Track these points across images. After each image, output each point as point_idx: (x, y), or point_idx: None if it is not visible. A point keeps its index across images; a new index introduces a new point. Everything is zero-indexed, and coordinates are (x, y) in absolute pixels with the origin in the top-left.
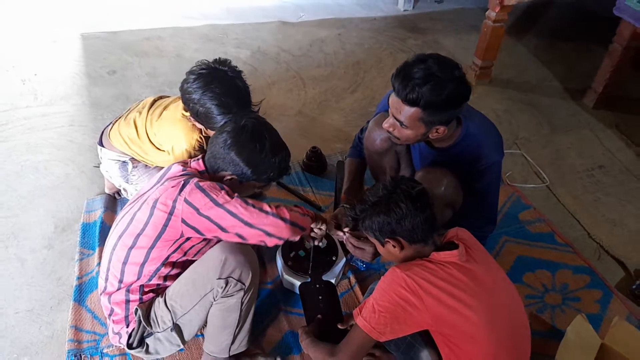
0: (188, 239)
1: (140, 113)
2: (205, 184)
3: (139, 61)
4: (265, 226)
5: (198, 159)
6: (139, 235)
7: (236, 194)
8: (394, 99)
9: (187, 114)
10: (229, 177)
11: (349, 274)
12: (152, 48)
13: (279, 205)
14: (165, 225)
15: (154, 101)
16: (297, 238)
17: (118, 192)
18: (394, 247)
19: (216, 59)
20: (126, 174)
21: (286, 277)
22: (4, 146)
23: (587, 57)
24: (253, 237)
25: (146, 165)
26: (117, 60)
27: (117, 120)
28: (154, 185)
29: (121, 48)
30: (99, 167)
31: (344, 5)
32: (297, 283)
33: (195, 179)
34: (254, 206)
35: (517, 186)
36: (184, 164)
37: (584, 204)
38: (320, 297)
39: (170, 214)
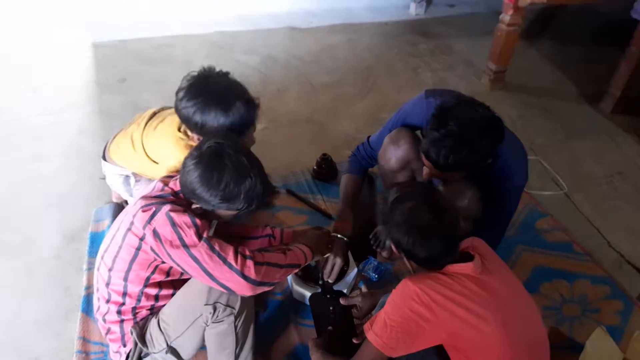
0: (164, 262)
1: (138, 125)
2: (176, 216)
3: (149, 69)
4: (226, 281)
5: (176, 179)
6: (115, 257)
7: (205, 234)
8: (429, 164)
9: (188, 134)
10: (197, 207)
11: (360, 285)
12: (162, 56)
13: (258, 254)
14: (138, 249)
15: (154, 113)
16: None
17: (126, 201)
18: (408, 260)
19: (201, 70)
20: (129, 188)
21: (296, 287)
22: (14, 155)
23: (603, 60)
24: (213, 286)
25: (149, 180)
26: (127, 69)
27: (117, 134)
28: (136, 202)
29: (131, 56)
30: (105, 179)
31: (355, 11)
32: (308, 294)
33: (168, 207)
34: (219, 255)
35: (534, 193)
36: (166, 182)
37: (602, 211)
38: (331, 308)
39: (142, 239)
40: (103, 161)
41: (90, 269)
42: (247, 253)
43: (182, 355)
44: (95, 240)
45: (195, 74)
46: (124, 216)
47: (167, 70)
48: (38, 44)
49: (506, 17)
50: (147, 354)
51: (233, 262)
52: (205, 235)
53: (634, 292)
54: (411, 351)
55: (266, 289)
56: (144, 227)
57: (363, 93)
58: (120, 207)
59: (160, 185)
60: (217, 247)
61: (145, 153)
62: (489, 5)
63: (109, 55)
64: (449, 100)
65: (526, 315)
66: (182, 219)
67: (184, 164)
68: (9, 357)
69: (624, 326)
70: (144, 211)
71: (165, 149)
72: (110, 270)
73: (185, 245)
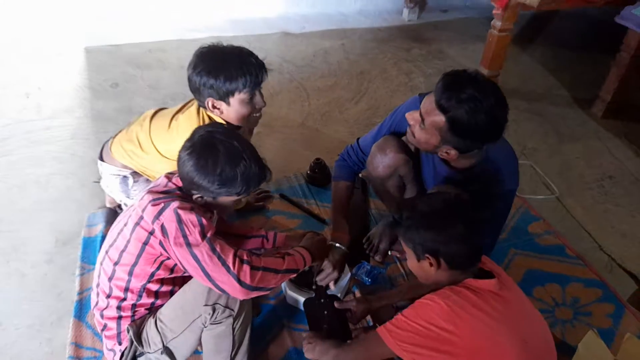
0: (168, 257)
1: (141, 126)
2: (183, 214)
3: (142, 74)
4: (222, 283)
5: (178, 175)
6: (122, 251)
7: (209, 234)
8: (431, 97)
9: (208, 109)
10: (198, 196)
11: (354, 289)
12: (155, 61)
13: (255, 259)
14: (145, 243)
15: (155, 113)
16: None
17: (119, 206)
18: (431, 265)
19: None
20: (127, 188)
21: (290, 292)
22: (6, 160)
23: (594, 65)
24: (210, 286)
25: (147, 180)
26: (121, 73)
27: (117, 134)
28: (142, 196)
29: (125, 61)
30: (99, 182)
31: (348, 16)
32: (301, 299)
33: (176, 204)
34: (219, 256)
35: (526, 197)
36: (169, 177)
37: (594, 215)
38: (325, 312)
39: (151, 233)
40: (100, 162)
41: (82, 274)
42: (245, 257)
43: (177, 357)
44: (88, 245)
45: (206, 45)
46: (132, 211)
47: (160, 75)
48: (31, 49)
49: (497, 22)
50: (141, 354)
51: (231, 266)
52: (209, 235)
53: (625, 295)
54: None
55: (261, 293)
56: (152, 222)
57: (357, 98)
58: (113, 212)
59: (165, 180)
60: (218, 249)
61: (159, 152)
62: (481, 11)
63: (101, 60)
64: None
65: (540, 333)
66: (189, 217)
67: (179, 156)
68: None
69: (615, 329)
70: (153, 205)
71: None
72: (115, 264)
73: (188, 244)
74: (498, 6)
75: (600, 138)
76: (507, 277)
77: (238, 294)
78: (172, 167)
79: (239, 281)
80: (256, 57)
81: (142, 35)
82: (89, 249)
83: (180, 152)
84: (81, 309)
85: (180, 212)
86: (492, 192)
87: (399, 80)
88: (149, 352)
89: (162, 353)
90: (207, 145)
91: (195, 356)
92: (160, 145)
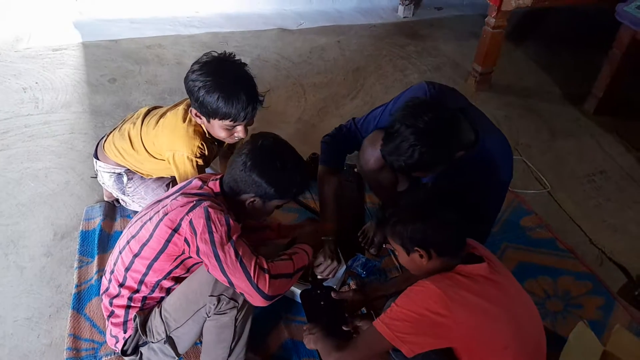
0: (190, 256)
1: (134, 124)
2: (212, 213)
3: (140, 69)
4: (240, 289)
5: (216, 180)
6: (144, 245)
7: (234, 237)
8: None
9: (191, 114)
10: (251, 200)
11: (349, 281)
12: (152, 56)
13: (272, 266)
14: (168, 241)
15: (148, 111)
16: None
17: (117, 200)
18: (421, 257)
19: (221, 53)
20: (122, 186)
21: None
22: (4, 154)
23: (587, 62)
24: (228, 285)
25: (142, 177)
26: (118, 68)
27: (111, 132)
28: (172, 195)
29: (122, 56)
30: (96, 177)
31: (344, 13)
32: (298, 291)
33: (207, 203)
34: (241, 262)
35: (518, 192)
36: (204, 180)
37: (585, 209)
38: (322, 303)
39: (175, 230)
40: (95, 160)
41: (80, 267)
42: (265, 266)
43: (179, 347)
44: (86, 238)
45: (215, 54)
46: (160, 207)
47: (157, 70)
48: (28, 43)
49: (491, 19)
50: (144, 343)
51: (251, 273)
52: (234, 237)
53: (615, 287)
54: (418, 350)
55: (273, 300)
56: (181, 219)
57: (352, 94)
58: (111, 205)
59: (199, 183)
60: (240, 253)
61: (146, 150)
62: (475, 8)
63: (99, 55)
64: (398, 113)
65: (531, 314)
66: (218, 216)
67: (235, 160)
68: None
69: (606, 321)
70: (182, 206)
71: (177, 141)
72: (135, 255)
73: (213, 242)
74: (492, 4)
75: (592, 134)
76: (498, 263)
77: (258, 301)
78: (160, 167)
79: (258, 289)
80: (252, 91)
81: (139, 30)
82: (87, 242)
83: (244, 154)
84: (79, 300)
85: (211, 210)
86: (485, 185)
87: (394, 76)
88: (152, 342)
89: (164, 343)
90: (274, 150)
91: (194, 348)
92: (148, 144)
